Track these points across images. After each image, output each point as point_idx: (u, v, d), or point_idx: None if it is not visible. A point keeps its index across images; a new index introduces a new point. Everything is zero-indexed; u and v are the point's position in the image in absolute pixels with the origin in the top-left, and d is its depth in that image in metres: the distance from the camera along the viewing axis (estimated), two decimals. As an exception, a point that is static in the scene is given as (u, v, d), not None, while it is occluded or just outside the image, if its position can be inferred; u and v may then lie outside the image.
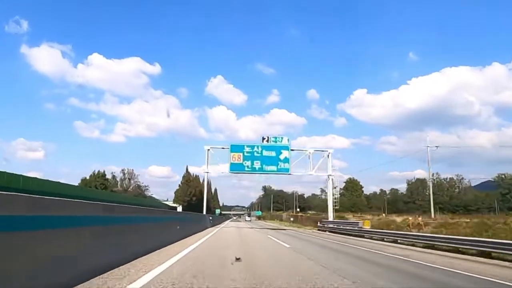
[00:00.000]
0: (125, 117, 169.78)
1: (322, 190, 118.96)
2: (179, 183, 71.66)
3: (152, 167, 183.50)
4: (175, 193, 70.92)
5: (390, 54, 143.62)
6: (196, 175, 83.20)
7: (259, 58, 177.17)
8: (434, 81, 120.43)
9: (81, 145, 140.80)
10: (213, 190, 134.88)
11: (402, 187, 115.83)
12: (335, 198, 37.34)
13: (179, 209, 57.58)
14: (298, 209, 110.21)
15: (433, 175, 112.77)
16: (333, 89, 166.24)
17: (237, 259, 8.09)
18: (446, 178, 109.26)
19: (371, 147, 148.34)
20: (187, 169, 75.18)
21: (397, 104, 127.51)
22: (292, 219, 49.92)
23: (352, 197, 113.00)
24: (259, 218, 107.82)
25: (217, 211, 76.44)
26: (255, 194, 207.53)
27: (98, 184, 53.41)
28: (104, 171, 58.41)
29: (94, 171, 57.70)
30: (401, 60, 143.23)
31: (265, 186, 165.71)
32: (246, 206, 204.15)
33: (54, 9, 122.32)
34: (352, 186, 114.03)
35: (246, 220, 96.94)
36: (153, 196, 70.05)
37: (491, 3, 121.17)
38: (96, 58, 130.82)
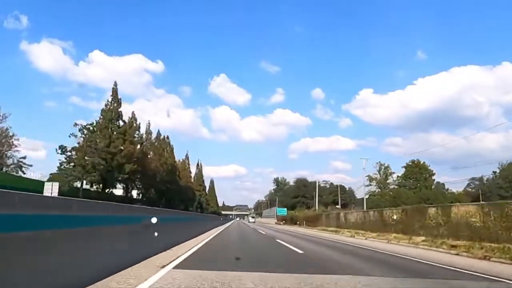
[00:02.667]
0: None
1: (371, 178, 79.69)
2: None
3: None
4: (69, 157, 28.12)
5: (398, 52, 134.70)
6: (164, 137, 44.58)
7: (263, 56, 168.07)
8: (442, 81, 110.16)
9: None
10: (206, 181, 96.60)
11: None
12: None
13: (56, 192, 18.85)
14: (338, 205, 71.35)
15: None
16: (339, 88, 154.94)
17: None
18: None
19: (375, 149, 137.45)
20: (114, 91, 33.97)
21: (403, 105, 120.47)
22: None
23: (419, 187, 73.88)
24: (286, 221, 58.31)
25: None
26: (259, 196, 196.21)
27: None
28: None
29: None
30: (408, 59, 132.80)
31: (278, 178, 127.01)
32: (250, 207, 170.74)
33: (54, 3, 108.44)
34: (417, 172, 74.79)
35: (250, 222, 77.97)
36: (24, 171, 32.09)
37: (502, 1, 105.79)
38: (97, 55, 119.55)
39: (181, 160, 60.70)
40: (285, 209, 71.15)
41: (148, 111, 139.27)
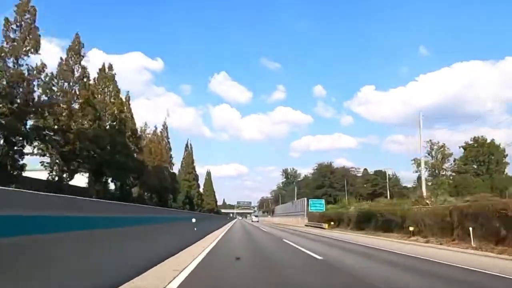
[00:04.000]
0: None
1: (418, 164, 59.64)
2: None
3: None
4: None
5: (400, 48, 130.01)
6: (104, 66, 25.19)
7: (263, 52, 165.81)
8: (444, 76, 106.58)
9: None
10: (203, 176, 77.55)
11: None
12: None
13: None
14: (388, 197, 51.71)
15: None
16: (340, 85, 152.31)
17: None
18: None
19: (377, 147, 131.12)
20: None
21: (405, 102, 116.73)
22: None
23: (488, 172, 54.15)
24: (333, 221, 32.70)
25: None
26: (259, 195, 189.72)
27: None
28: None
29: None
30: (410, 55, 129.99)
31: (287, 169, 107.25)
32: (254, 204, 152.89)
33: (52, 1, 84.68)
34: (486, 153, 55.02)
35: (253, 221, 69.38)
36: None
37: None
38: (95, 54, 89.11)
39: (153, 129, 41.56)
40: (323, 201, 47.10)
41: (149, 109, 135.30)
